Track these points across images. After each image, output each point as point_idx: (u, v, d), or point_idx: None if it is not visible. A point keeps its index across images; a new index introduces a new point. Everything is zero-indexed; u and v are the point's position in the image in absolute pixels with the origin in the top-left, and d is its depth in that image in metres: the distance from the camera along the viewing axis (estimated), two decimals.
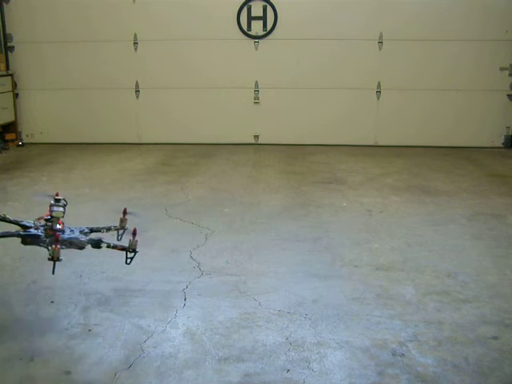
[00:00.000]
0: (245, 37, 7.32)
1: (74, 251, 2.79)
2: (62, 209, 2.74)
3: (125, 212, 2.89)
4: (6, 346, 2.54)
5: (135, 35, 7.38)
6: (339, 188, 5.32)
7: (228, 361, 2.42)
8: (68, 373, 2.33)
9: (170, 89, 7.53)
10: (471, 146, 7.39)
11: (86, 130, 7.71)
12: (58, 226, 2.70)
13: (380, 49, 7.26)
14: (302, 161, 6.58)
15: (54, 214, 2.70)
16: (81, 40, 7.39)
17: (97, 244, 2.71)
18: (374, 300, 3.00)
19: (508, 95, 7.32)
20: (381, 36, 7.21)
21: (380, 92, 7.38)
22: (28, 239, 2.67)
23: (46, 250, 2.64)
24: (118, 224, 2.90)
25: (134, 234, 2.71)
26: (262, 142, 7.59)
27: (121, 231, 2.88)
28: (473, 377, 2.31)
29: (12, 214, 4.49)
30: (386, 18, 7.15)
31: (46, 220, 2.71)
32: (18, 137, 7.69)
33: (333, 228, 4.19)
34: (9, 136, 7.49)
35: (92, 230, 2.84)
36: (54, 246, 2.53)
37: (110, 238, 2.85)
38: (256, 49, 7.38)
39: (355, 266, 3.46)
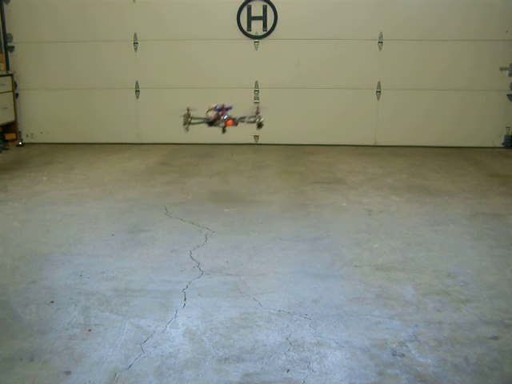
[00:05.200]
0: (245, 37, 7.33)
1: None
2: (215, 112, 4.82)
3: (258, 108, 4.94)
4: (6, 345, 2.54)
5: (135, 35, 7.38)
6: (339, 188, 5.32)
7: (228, 361, 2.42)
8: (68, 373, 2.34)
9: (169, 89, 7.53)
10: (471, 146, 7.39)
11: (86, 130, 7.71)
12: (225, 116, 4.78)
13: (380, 49, 7.26)
14: (301, 161, 6.59)
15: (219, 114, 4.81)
16: (81, 40, 7.40)
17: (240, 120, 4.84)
18: (374, 300, 3.00)
19: (508, 95, 7.32)
20: (381, 36, 7.22)
21: (380, 92, 7.38)
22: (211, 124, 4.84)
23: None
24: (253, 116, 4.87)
25: (257, 110, 4.88)
26: (262, 142, 7.59)
27: (257, 119, 4.86)
28: (473, 377, 2.31)
29: (12, 214, 4.51)
30: (386, 18, 7.16)
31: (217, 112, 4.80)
32: (18, 137, 7.69)
33: (333, 228, 4.19)
34: (9, 136, 7.50)
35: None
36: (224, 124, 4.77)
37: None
38: (256, 49, 7.38)
39: (355, 266, 3.46)
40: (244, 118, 4.87)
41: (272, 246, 3.81)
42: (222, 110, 4.84)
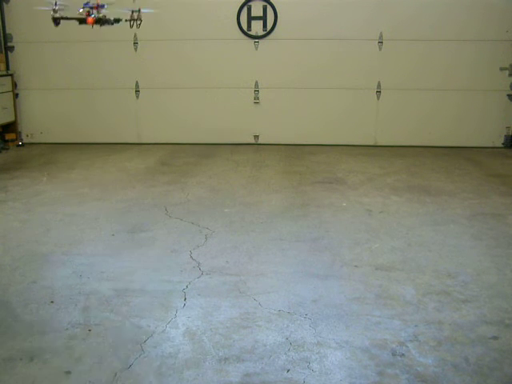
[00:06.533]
0: (245, 37, 7.32)
1: None
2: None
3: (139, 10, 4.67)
4: (6, 345, 2.54)
5: (135, 35, 7.38)
6: (339, 188, 5.32)
7: (228, 361, 2.42)
8: (68, 373, 2.34)
9: (169, 89, 7.53)
10: (471, 146, 7.39)
11: (86, 130, 7.71)
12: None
13: (380, 49, 7.26)
14: (301, 161, 6.59)
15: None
16: (81, 40, 7.39)
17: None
18: (374, 300, 3.00)
19: (508, 95, 7.32)
20: (381, 36, 7.22)
21: (380, 92, 7.38)
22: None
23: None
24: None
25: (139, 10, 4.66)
26: (262, 142, 7.59)
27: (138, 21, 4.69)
28: (473, 377, 2.31)
29: (12, 214, 4.51)
30: (386, 18, 7.16)
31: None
32: (18, 137, 7.69)
33: (333, 228, 4.19)
34: (9, 136, 7.50)
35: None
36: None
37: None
38: (256, 49, 7.38)
39: (355, 266, 3.46)
40: (120, 20, 4.55)
41: (272, 246, 3.81)
42: (94, 7, 4.42)
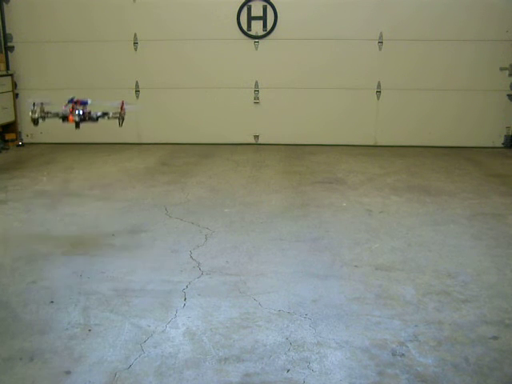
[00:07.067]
0: (245, 37, 7.32)
1: None
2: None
3: (122, 104, 4.29)
4: (6, 345, 2.54)
5: (135, 35, 7.38)
6: (339, 188, 5.32)
7: (228, 361, 2.42)
8: (68, 373, 2.34)
9: (169, 89, 7.53)
10: (471, 146, 7.39)
11: (86, 130, 7.64)
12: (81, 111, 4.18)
13: (380, 49, 7.26)
14: (301, 161, 6.58)
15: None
16: (81, 40, 7.39)
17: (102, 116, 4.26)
18: (374, 300, 3.00)
19: (508, 95, 7.32)
20: (381, 36, 7.21)
21: (380, 92, 7.38)
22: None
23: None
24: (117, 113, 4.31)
25: (122, 106, 4.22)
26: (262, 142, 7.59)
27: (121, 119, 4.31)
28: (473, 377, 2.31)
29: (12, 214, 4.51)
30: (386, 18, 7.16)
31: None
32: (18, 137, 7.69)
33: (333, 228, 4.19)
34: (9, 136, 7.49)
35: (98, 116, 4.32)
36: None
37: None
38: (256, 49, 7.38)
39: (355, 266, 3.46)
40: (106, 114, 4.31)
41: (272, 246, 3.81)
42: (75, 102, 4.20)
